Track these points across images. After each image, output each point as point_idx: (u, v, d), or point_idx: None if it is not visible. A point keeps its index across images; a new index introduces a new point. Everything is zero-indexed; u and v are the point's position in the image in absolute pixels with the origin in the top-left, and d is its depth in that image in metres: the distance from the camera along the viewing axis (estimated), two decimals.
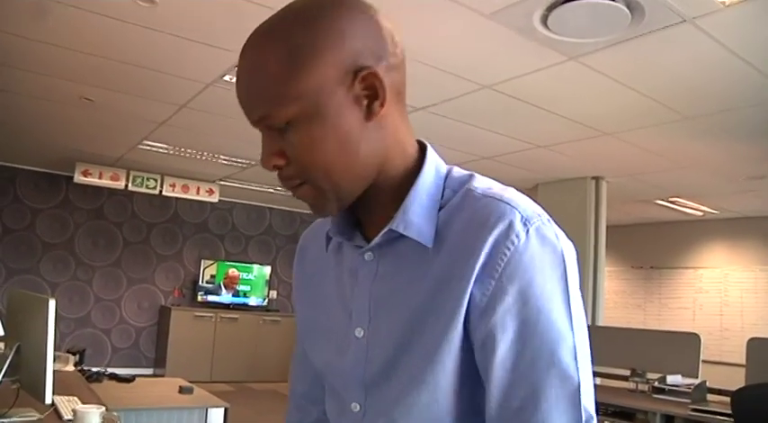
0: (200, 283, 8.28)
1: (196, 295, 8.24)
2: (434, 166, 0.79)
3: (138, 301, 8.00)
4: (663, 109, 3.92)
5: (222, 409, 3.55)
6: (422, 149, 0.81)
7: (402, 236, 0.76)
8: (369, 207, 0.80)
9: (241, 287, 8.43)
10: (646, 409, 3.97)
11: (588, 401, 0.70)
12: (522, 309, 0.70)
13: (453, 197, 0.77)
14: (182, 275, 8.30)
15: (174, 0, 2.92)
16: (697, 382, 4.09)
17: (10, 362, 2.30)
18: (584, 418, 0.69)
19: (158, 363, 7.84)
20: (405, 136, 0.78)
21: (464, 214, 0.74)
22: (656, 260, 8.57)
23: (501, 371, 0.70)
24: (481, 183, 0.78)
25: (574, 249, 0.74)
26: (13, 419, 2.19)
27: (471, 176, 0.79)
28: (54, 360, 3.56)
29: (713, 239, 8.05)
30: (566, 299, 0.70)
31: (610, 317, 6.65)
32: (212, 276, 8.32)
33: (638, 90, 3.64)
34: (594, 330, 5.31)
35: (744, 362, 4.02)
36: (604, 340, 5.07)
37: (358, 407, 0.82)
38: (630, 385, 4.58)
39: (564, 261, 0.72)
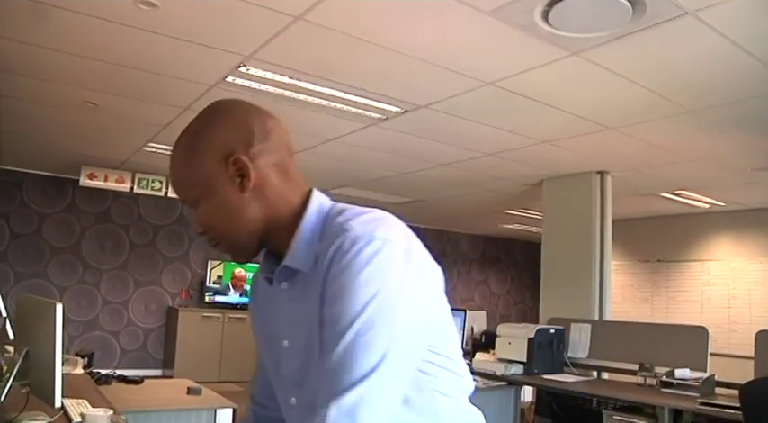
0: (207, 283, 8.30)
1: (203, 296, 8.27)
2: (317, 206, 1.01)
3: (146, 302, 8.02)
4: (666, 102, 3.92)
5: (231, 410, 3.56)
6: (310, 196, 1.03)
7: (288, 268, 0.99)
8: (276, 248, 1.03)
9: (248, 287, 8.45)
10: (654, 403, 3.95)
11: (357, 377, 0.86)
12: (332, 308, 0.90)
13: (326, 230, 0.97)
14: (189, 277, 8.32)
15: (175, 3, 2.93)
16: (705, 375, 4.08)
17: (19, 366, 2.31)
18: (356, 370, 0.85)
19: (167, 364, 7.86)
20: (288, 193, 1.02)
21: (325, 240, 0.95)
22: (662, 253, 8.56)
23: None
24: (338, 213, 0.98)
25: (393, 256, 0.91)
26: None
27: (333, 208, 1.01)
28: (63, 363, 3.57)
29: (719, 232, 8.02)
30: (362, 305, 0.87)
31: (617, 311, 6.64)
32: (219, 277, 8.35)
33: (641, 84, 3.64)
34: (602, 325, 5.33)
35: (752, 354, 4.00)
36: (612, 335, 5.07)
37: (294, 400, 1.04)
38: (638, 379, 4.56)
39: (369, 276, 0.89)
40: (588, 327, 5.14)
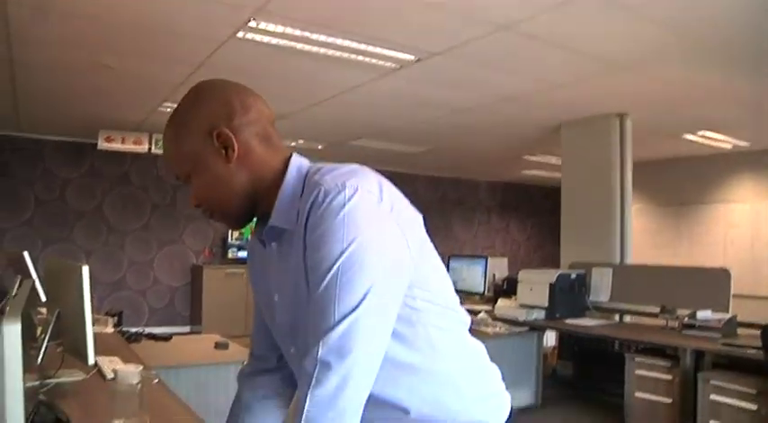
0: (229, 240, 8.40)
1: (226, 253, 8.38)
2: (296, 168, 1.08)
3: (170, 261, 8.16)
4: (685, 40, 3.81)
5: None
6: (290, 161, 1.09)
7: (273, 228, 1.06)
8: (265, 211, 1.09)
9: None
10: (676, 344, 3.98)
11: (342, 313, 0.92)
12: (313, 254, 0.96)
13: (305, 187, 1.04)
14: (211, 235, 8.43)
15: None
16: (727, 316, 4.08)
17: (52, 327, 2.38)
18: (342, 307, 0.92)
19: (194, 320, 8.04)
20: (270, 159, 1.09)
21: (303, 197, 1.02)
22: (685, 197, 8.46)
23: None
24: (315, 171, 1.05)
25: (365, 201, 0.97)
26: (61, 380, 2.28)
27: (311, 168, 1.08)
28: (94, 323, 3.67)
29: (743, 173, 7.90)
30: (341, 247, 0.94)
31: (639, 256, 6.62)
32: (241, 234, 8.42)
33: (659, 22, 3.53)
34: (623, 269, 5.33)
35: None
36: (634, 278, 5.07)
37: (294, 349, 1.12)
38: (660, 322, 4.58)
39: (345, 221, 0.95)
40: (609, 271, 5.14)
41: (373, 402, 1.00)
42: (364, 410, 0.96)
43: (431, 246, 1.11)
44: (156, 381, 2.42)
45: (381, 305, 0.95)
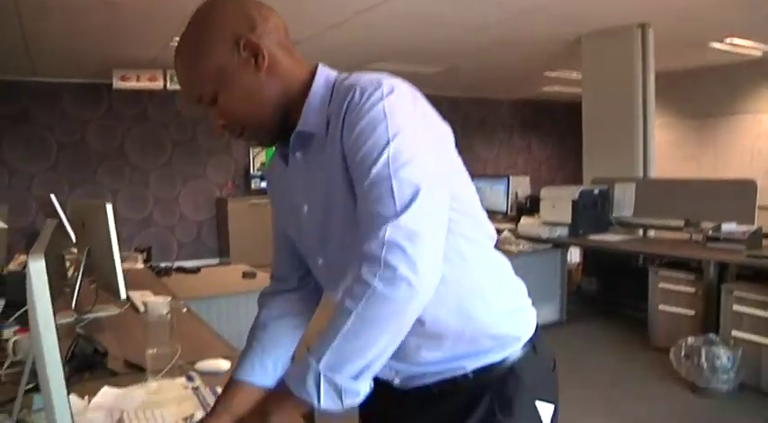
0: (251, 171, 8.46)
1: (249, 184, 8.45)
2: (323, 78, 1.06)
3: (195, 196, 8.27)
4: None
5: None
6: (317, 70, 1.07)
7: (302, 133, 1.04)
8: (294, 124, 1.05)
9: None
10: (699, 257, 3.98)
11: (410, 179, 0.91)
12: (357, 148, 0.94)
13: (335, 94, 1.02)
14: (233, 167, 8.48)
15: None
16: (753, 228, 4.04)
17: (84, 265, 2.46)
18: (402, 193, 0.90)
19: (222, 252, 8.23)
20: (296, 69, 1.06)
21: (334, 102, 1.01)
22: (710, 108, 8.24)
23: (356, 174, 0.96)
24: (344, 78, 1.04)
25: (402, 98, 0.96)
26: (97, 315, 2.38)
27: (338, 76, 1.06)
28: (124, 260, 3.77)
29: None
30: (387, 136, 0.92)
31: (663, 170, 6.53)
32: (262, 164, 8.47)
33: None
34: (646, 183, 5.29)
35: None
36: (657, 192, 5.02)
37: (321, 260, 1.14)
38: (684, 236, 4.57)
39: (387, 112, 0.94)
40: (632, 185, 5.10)
41: None
42: None
43: (460, 161, 1.11)
44: (185, 310, 2.51)
45: (439, 192, 0.94)
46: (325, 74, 1.07)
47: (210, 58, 1.01)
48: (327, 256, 1.12)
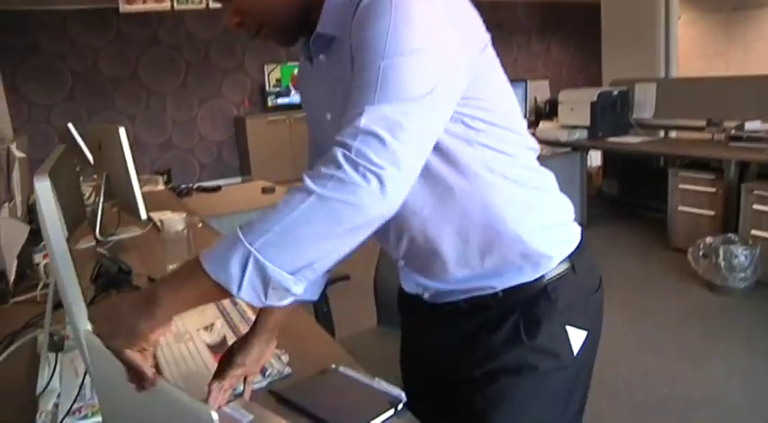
0: (267, 88, 8.38)
1: (266, 101, 8.40)
2: None
3: (212, 117, 8.26)
4: None
5: None
6: None
7: (331, 37, 0.94)
8: (315, 23, 0.95)
9: None
10: (720, 157, 3.92)
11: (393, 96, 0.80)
12: (360, 48, 0.84)
13: None
14: (248, 85, 8.40)
15: None
16: None
17: (104, 189, 2.52)
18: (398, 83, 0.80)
19: (244, 171, 8.30)
20: None
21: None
22: (737, 1, 7.84)
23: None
24: None
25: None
26: (120, 237, 2.46)
27: None
28: (145, 183, 3.85)
29: None
30: (384, 39, 0.81)
31: (687, 68, 6.33)
32: (278, 80, 8.37)
33: None
34: (668, 83, 5.16)
35: None
36: (679, 92, 4.90)
37: None
38: (707, 136, 4.48)
39: (392, 7, 0.82)
40: (653, 86, 4.98)
41: (424, 229, 1.01)
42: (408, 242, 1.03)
43: (499, 67, 1.01)
44: (200, 225, 2.58)
45: (440, 103, 0.85)
46: None
47: None
48: None
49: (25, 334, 1.43)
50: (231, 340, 1.36)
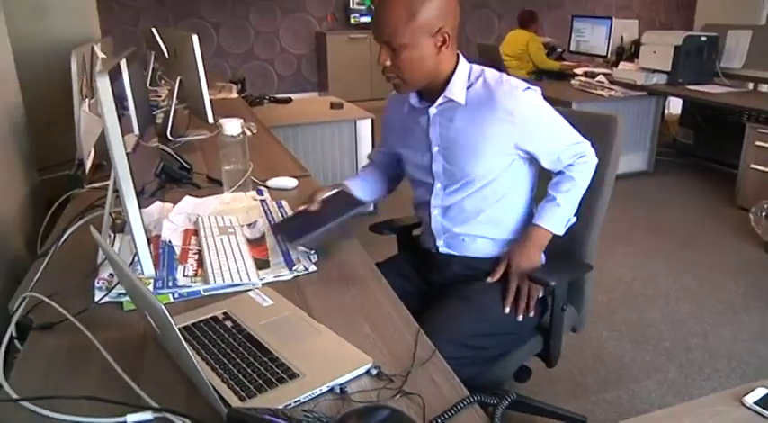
0: (351, 5, 8.35)
1: (349, 18, 8.39)
2: (464, 67, 1.51)
3: (295, 30, 8.34)
4: None
5: (369, 120, 3.86)
6: (459, 58, 1.51)
7: (449, 99, 1.50)
8: (431, 89, 1.52)
9: None
10: None
11: None
12: (534, 131, 1.51)
13: (475, 81, 1.50)
14: (332, 0, 8.40)
15: None
16: None
17: (177, 92, 2.70)
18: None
19: (321, 86, 8.42)
20: (451, 56, 1.49)
21: (480, 89, 1.49)
22: None
23: None
24: (489, 75, 1.51)
25: (538, 93, 1.52)
26: (189, 138, 2.65)
27: (483, 71, 1.52)
28: (220, 90, 4.03)
29: None
30: (555, 117, 1.54)
31: None
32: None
33: None
34: (765, 31, 4.83)
35: None
36: None
37: (439, 184, 1.59)
38: None
39: (544, 105, 1.53)
40: (748, 33, 4.70)
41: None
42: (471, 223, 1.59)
43: None
44: (255, 132, 2.76)
45: None
46: (465, 65, 1.51)
47: (419, 26, 1.37)
48: (443, 180, 1.57)
49: (92, 213, 1.63)
50: (270, 237, 1.53)
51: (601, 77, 4.96)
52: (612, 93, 4.64)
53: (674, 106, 5.71)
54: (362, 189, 1.70)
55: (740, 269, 3.30)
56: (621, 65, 5.11)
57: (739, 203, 4.11)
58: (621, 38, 5.56)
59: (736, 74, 4.74)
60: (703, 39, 4.61)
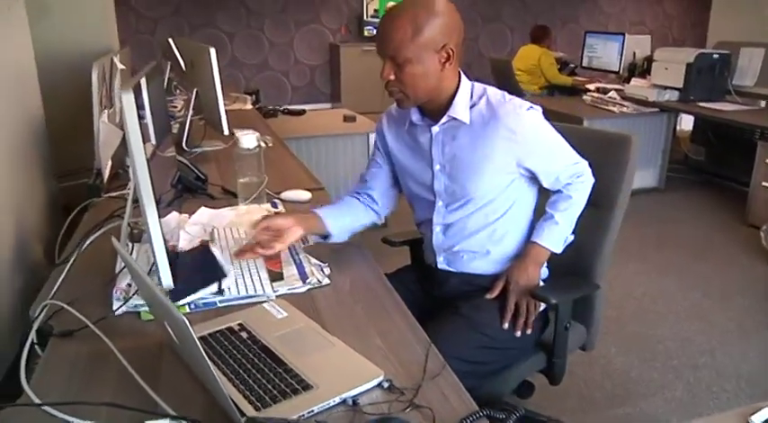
0: (364, 17, 8.42)
1: (362, 30, 8.45)
2: (466, 85, 1.51)
3: (309, 41, 8.41)
4: None
5: None
6: (461, 75, 1.51)
7: (453, 118, 1.50)
8: (433, 107, 1.52)
9: None
10: None
11: None
12: (535, 150, 1.52)
13: (478, 101, 1.50)
14: (346, 12, 8.47)
15: None
16: None
17: (193, 104, 2.74)
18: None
19: (334, 98, 8.48)
20: (454, 73, 1.48)
21: (483, 108, 1.49)
22: None
23: None
24: (481, 89, 1.52)
25: (540, 113, 1.52)
26: (204, 149, 2.69)
27: (485, 89, 1.52)
28: (234, 101, 4.07)
29: None
30: (555, 137, 1.55)
31: None
32: (375, 11, 8.39)
33: None
34: None
35: None
36: None
37: (440, 202, 1.59)
38: None
39: (545, 125, 1.54)
40: (761, 51, 4.71)
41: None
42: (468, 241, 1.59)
43: None
44: (271, 144, 2.78)
45: None
46: (467, 83, 1.51)
47: (424, 42, 1.37)
48: (444, 198, 1.57)
49: (111, 222, 1.67)
50: (284, 250, 1.56)
51: (613, 93, 4.98)
52: (624, 109, 4.65)
53: (686, 123, 5.71)
54: (335, 220, 1.59)
55: (750, 287, 3.29)
56: (634, 81, 5.13)
57: (750, 221, 4.10)
58: (634, 54, 5.59)
59: (748, 92, 4.75)
60: (716, 56, 4.62)
